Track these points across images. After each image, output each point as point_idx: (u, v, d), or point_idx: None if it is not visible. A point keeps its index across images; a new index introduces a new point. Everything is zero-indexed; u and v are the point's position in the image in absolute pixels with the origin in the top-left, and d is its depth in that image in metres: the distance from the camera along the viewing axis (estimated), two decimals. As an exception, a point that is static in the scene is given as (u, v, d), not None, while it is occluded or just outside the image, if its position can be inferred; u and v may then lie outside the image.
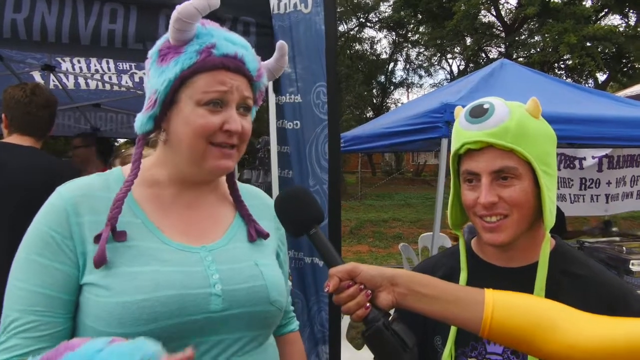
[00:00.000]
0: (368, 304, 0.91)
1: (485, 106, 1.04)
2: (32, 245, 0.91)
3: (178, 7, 0.92)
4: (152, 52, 1.00)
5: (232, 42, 0.97)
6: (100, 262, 0.89)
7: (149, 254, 0.93)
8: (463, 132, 1.06)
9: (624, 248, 4.20)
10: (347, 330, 3.75)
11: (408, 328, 0.91)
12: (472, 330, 0.91)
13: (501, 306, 0.88)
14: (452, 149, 1.10)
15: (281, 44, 1.12)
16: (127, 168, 1.03)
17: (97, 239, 0.90)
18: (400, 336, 0.88)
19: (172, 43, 0.96)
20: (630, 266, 3.75)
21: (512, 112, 1.02)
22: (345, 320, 3.81)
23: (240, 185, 1.19)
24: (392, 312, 0.96)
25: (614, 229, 4.97)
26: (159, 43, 0.99)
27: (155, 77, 0.97)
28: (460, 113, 1.10)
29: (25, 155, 2.28)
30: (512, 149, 1.00)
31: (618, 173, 5.66)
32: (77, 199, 0.94)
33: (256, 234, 1.08)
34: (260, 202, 1.18)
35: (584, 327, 0.85)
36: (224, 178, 1.14)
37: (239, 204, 1.11)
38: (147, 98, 0.99)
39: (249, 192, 1.19)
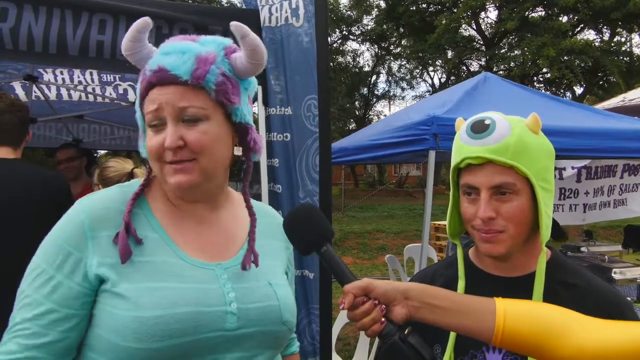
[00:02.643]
0: (383, 319, 0.92)
1: (487, 122, 1.05)
2: (45, 253, 0.91)
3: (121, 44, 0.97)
4: None
5: (165, 53, 0.93)
6: (126, 255, 0.89)
7: (167, 269, 0.93)
8: (464, 147, 1.07)
9: (606, 257, 4.29)
10: (335, 342, 3.73)
11: (423, 340, 0.91)
12: (485, 340, 0.91)
13: (512, 314, 0.90)
14: (453, 162, 1.11)
15: (234, 24, 0.95)
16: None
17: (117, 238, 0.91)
18: (417, 349, 0.89)
19: None
20: (613, 274, 3.82)
21: (512, 128, 1.03)
22: (334, 331, 3.79)
23: (253, 203, 1.15)
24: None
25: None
26: None
27: None
28: (461, 126, 1.11)
29: (4, 167, 2.21)
30: (512, 165, 1.02)
31: (596, 183, 5.79)
32: (97, 213, 0.93)
33: (251, 262, 1.03)
34: (272, 221, 1.16)
35: (594, 332, 0.86)
36: (238, 194, 1.13)
37: (251, 230, 1.07)
38: None
39: (261, 210, 1.16)
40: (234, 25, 0.95)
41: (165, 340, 0.86)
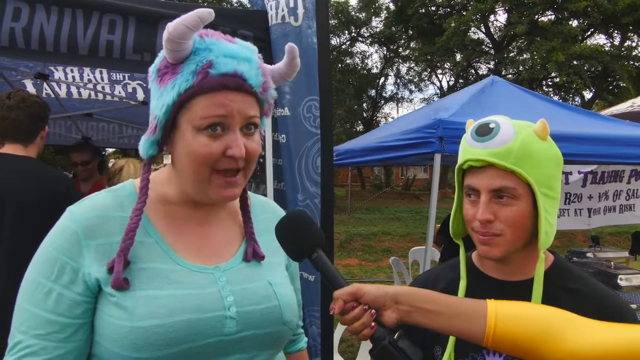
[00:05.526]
0: (373, 323, 0.93)
1: (491, 125, 1.06)
2: (40, 267, 0.90)
3: (169, 27, 0.85)
4: (152, 70, 0.95)
5: (232, 56, 0.90)
6: (119, 287, 0.88)
7: (163, 275, 0.92)
8: (468, 149, 1.08)
9: (612, 263, 4.25)
10: (338, 344, 3.74)
11: (413, 343, 0.93)
12: (477, 342, 0.92)
13: (503, 317, 0.90)
14: (457, 164, 1.13)
15: (290, 46, 1.02)
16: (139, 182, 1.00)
17: (110, 267, 0.89)
18: (406, 353, 0.90)
19: (169, 61, 0.90)
20: (618, 281, 3.79)
21: (517, 132, 1.03)
22: (337, 333, 3.80)
23: (254, 198, 1.16)
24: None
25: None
26: (158, 61, 0.94)
27: (155, 98, 0.92)
28: (469, 128, 1.12)
29: (16, 165, 2.23)
30: (513, 170, 1.02)
31: (601, 188, 5.73)
32: (90, 221, 0.91)
33: (252, 255, 1.04)
34: (273, 215, 1.15)
35: (588, 334, 0.85)
36: None
37: (246, 222, 1.08)
38: (150, 121, 0.95)
39: (262, 206, 1.16)
40: (290, 46, 1.01)
41: (164, 349, 0.86)
